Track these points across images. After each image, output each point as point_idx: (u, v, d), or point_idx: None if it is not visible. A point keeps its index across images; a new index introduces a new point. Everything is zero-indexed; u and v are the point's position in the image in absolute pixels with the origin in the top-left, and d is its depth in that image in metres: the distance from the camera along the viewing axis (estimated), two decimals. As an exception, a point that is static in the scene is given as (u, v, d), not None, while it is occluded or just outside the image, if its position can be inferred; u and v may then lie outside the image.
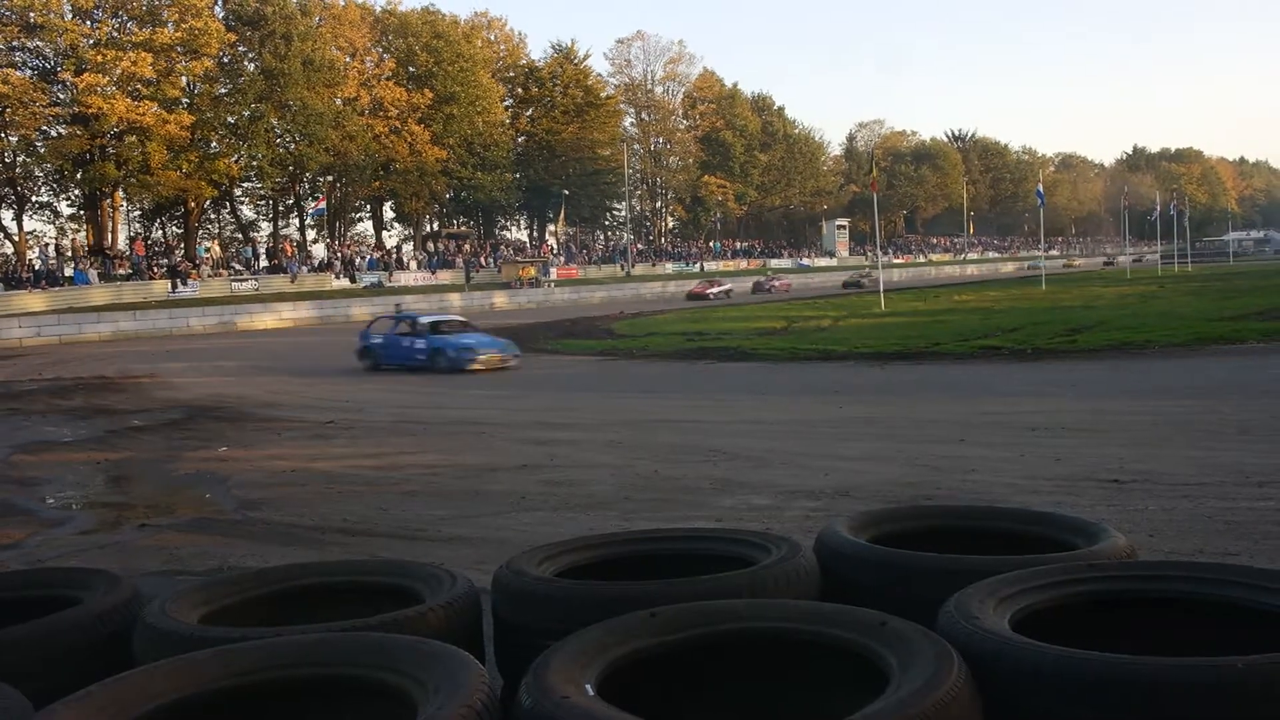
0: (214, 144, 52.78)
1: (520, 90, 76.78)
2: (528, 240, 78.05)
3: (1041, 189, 64.65)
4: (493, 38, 76.47)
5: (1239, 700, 1.90)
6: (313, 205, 60.68)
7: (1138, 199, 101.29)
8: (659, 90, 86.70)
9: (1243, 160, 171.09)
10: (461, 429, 12.26)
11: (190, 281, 46.38)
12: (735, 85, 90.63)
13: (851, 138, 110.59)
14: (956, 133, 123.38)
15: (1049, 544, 3.09)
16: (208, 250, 54.15)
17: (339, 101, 58.68)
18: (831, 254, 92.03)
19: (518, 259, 64.38)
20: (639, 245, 78.96)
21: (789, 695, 2.47)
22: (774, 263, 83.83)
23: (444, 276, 58.36)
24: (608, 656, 2.29)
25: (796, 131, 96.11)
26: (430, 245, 65.59)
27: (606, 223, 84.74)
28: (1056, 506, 6.09)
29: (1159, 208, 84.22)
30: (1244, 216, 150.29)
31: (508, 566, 3.04)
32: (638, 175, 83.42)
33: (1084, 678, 2.01)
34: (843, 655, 2.32)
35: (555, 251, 70.98)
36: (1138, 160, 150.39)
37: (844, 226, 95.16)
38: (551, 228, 78.28)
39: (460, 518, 7.12)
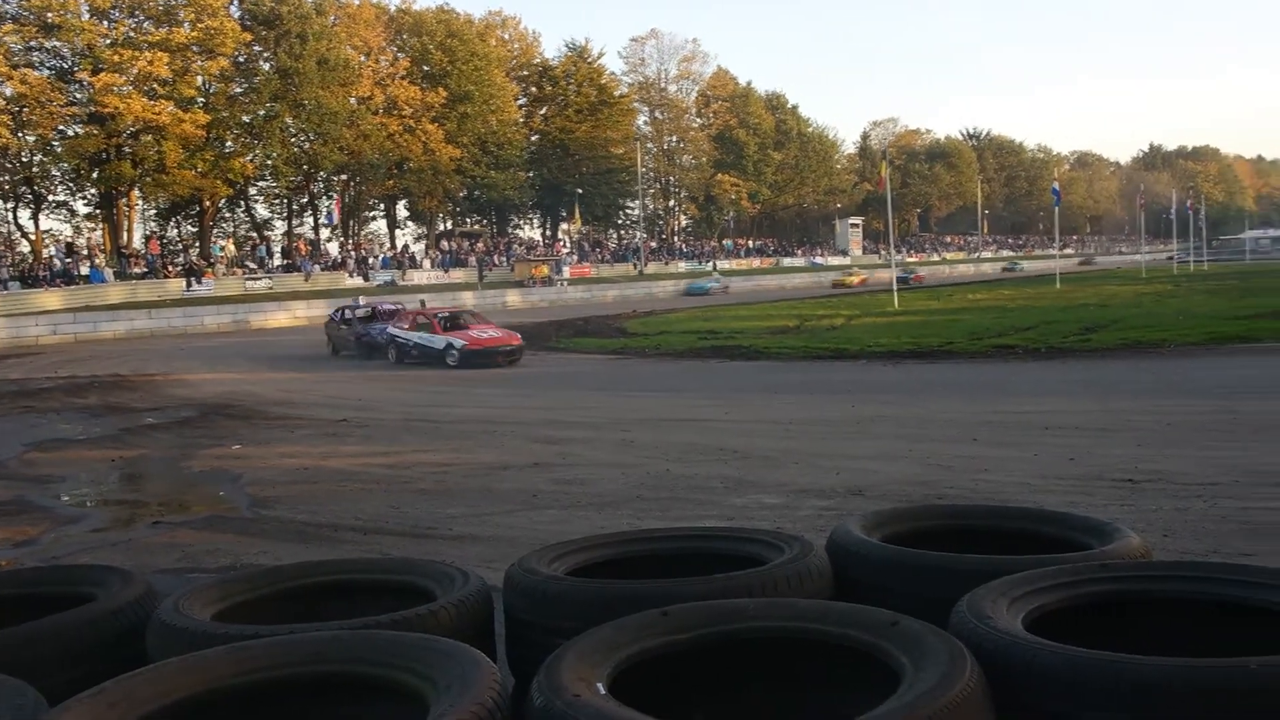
0: (229, 143, 52.98)
1: (534, 89, 76.87)
2: (541, 239, 78.11)
3: (1057, 187, 64.31)
4: (506, 36, 76.58)
5: (1252, 701, 1.89)
6: (326, 210, 60.95)
7: (1154, 197, 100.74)
8: (673, 89, 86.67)
9: (1260, 158, 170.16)
10: (472, 427, 12.28)
11: (205, 280, 46.60)
12: (749, 84, 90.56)
13: (865, 136, 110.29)
14: (971, 131, 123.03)
15: (1062, 544, 3.07)
16: (222, 249, 54.41)
17: (353, 100, 58.80)
18: (845, 252, 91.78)
19: (531, 257, 64.41)
20: (652, 244, 78.92)
21: (801, 695, 2.46)
22: (787, 261, 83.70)
23: (457, 275, 58.43)
24: (619, 655, 2.29)
25: (810, 130, 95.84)
26: (444, 244, 65.72)
27: (619, 221, 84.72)
28: (1070, 506, 6.07)
29: (1175, 206, 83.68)
30: (1261, 215, 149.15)
31: (519, 564, 3.04)
32: (651, 174, 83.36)
33: (1097, 678, 2.00)
34: (854, 655, 2.31)
35: (568, 250, 71.02)
36: (1154, 158, 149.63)
37: (857, 225, 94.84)
38: (565, 226, 78.36)
39: (471, 516, 7.13)
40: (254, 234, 63.27)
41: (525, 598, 2.87)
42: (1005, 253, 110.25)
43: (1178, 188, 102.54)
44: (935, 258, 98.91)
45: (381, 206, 69.90)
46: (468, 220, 74.67)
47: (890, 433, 10.82)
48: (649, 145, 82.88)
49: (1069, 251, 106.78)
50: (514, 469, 9.05)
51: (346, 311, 27.95)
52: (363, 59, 61.51)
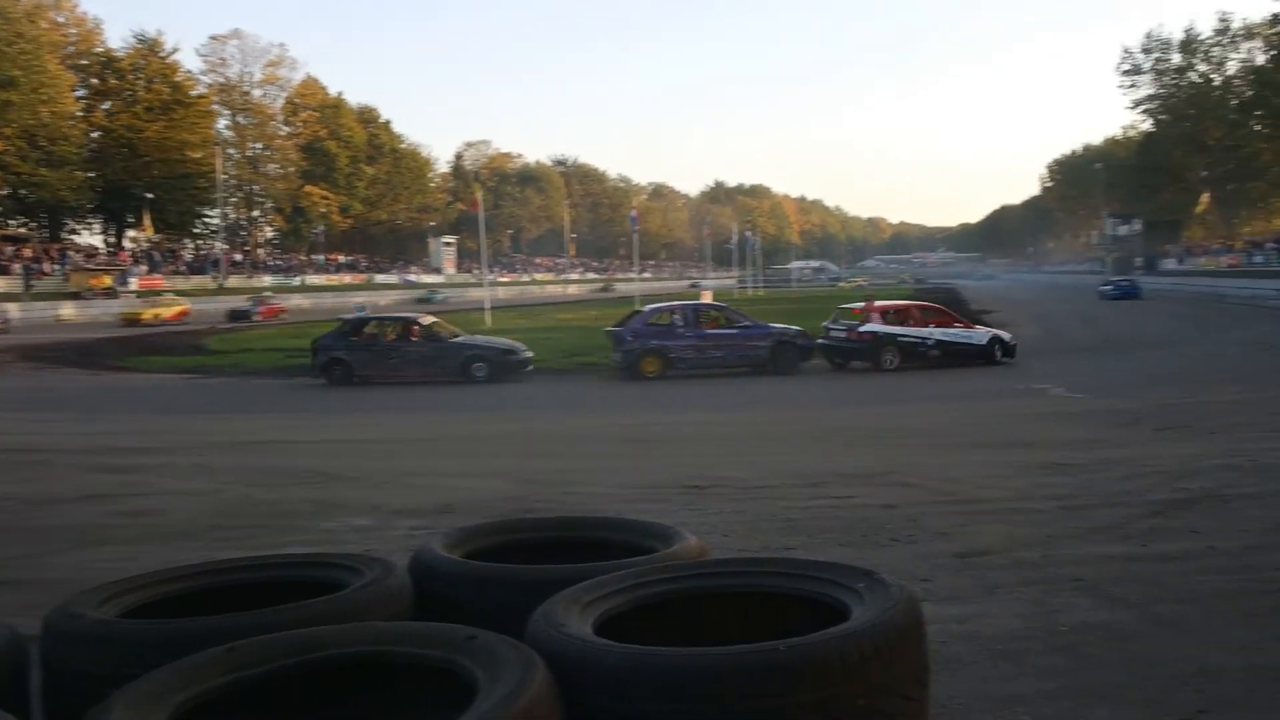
0: None
1: (95, 81, 69.56)
2: (104, 246, 70.68)
3: (635, 215, 68.99)
4: (61, 20, 68.64)
5: (783, 679, 2.13)
6: None
7: (718, 229, 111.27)
8: (257, 93, 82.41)
9: (803, 198, 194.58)
10: (11, 456, 10.78)
11: None
12: (340, 95, 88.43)
13: (459, 156, 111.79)
14: (560, 158, 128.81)
15: (632, 549, 3.26)
16: None
17: None
18: (439, 270, 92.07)
19: (90, 266, 58.09)
20: (235, 256, 74.26)
21: (384, 718, 2.42)
22: (380, 278, 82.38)
23: (-3, 284, 51.41)
24: (177, 699, 2.11)
25: (404, 146, 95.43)
26: (-21, 248, 57.44)
27: (197, 230, 78.86)
28: (644, 513, 6.47)
29: (735, 237, 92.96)
30: (804, 248, 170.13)
31: (62, 609, 2.71)
32: (233, 181, 78.52)
33: (651, 672, 2.15)
34: (435, 673, 2.30)
35: (136, 259, 64.89)
36: (718, 193, 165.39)
37: (451, 244, 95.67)
38: (133, 234, 71.57)
39: (9, 559, 6.25)
40: None
41: (68, 645, 2.56)
42: (591, 275, 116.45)
43: (738, 220, 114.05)
44: (526, 278, 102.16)
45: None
46: (10, 222, 65.93)
47: (484, 449, 10.99)
48: (230, 151, 78.04)
49: (647, 275, 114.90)
50: (65, 502, 8.05)
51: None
52: None
